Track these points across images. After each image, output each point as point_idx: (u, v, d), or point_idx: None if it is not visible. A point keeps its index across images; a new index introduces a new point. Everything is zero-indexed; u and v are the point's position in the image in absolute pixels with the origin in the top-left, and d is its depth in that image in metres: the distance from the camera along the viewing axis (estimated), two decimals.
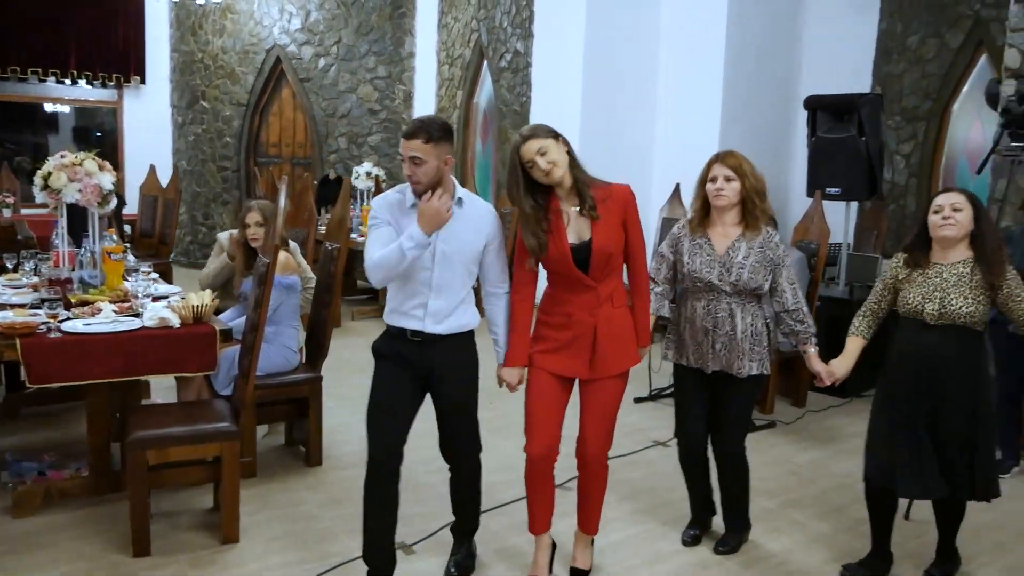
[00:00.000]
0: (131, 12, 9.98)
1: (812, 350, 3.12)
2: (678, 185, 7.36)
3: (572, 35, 7.62)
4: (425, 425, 2.91)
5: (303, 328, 4.19)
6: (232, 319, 3.96)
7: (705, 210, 3.14)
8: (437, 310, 2.75)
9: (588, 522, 3.00)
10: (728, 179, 3.04)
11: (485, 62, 9.20)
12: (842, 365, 3.07)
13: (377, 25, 10.32)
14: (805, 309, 3.14)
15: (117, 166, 9.35)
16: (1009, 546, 3.48)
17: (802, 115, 7.06)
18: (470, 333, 2.86)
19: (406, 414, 2.80)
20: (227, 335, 3.39)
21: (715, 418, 3.22)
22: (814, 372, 3.11)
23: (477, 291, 2.90)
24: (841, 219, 6.17)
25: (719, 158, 3.11)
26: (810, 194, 5.96)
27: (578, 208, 2.72)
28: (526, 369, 2.87)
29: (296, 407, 4.00)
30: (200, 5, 10.01)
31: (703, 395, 3.21)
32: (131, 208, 8.39)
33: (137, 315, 3.40)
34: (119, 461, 3.59)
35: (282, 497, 3.63)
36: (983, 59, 6.68)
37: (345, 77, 10.34)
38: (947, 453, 2.89)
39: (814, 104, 5.88)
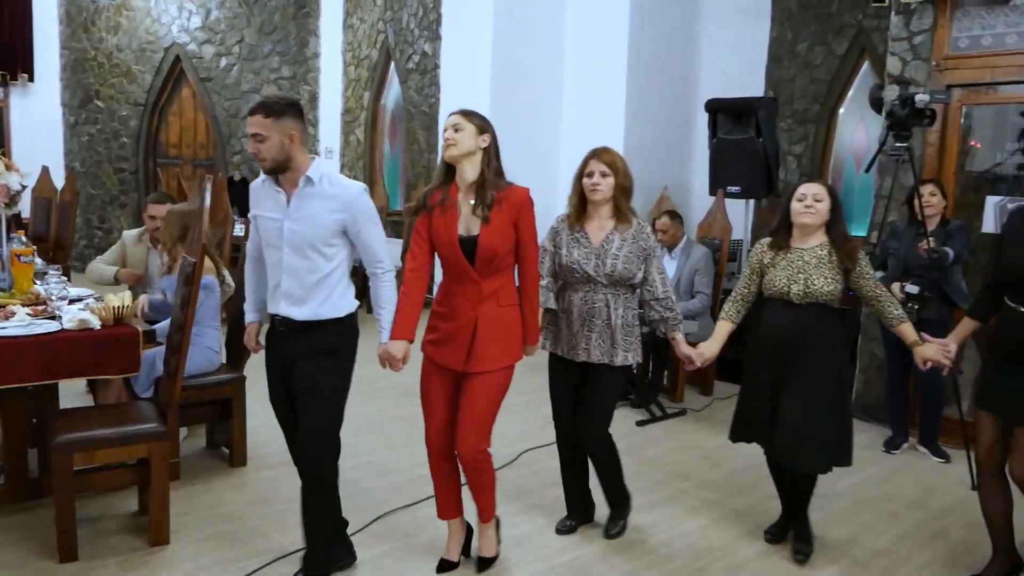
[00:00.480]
0: (17, 7, 9.50)
1: (679, 336, 3.26)
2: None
3: (479, 37, 7.71)
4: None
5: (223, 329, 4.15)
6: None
7: (582, 205, 3.22)
8: (290, 291, 2.74)
9: (480, 511, 3.02)
10: (604, 174, 3.13)
11: (392, 63, 9.21)
12: (711, 348, 3.25)
13: (280, 25, 10.17)
14: (673, 297, 3.25)
15: None
16: (901, 515, 3.78)
17: (701, 116, 7.40)
18: (335, 321, 2.78)
19: (290, 411, 2.84)
20: (150, 336, 3.34)
21: (582, 405, 3.29)
22: (682, 356, 3.27)
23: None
24: (741, 216, 6.51)
25: (595, 154, 3.19)
26: (712, 192, 6.27)
27: (473, 203, 2.76)
28: (410, 346, 2.86)
29: (218, 408, 3.96)
30: (93, 2, 9.63)
31: (574, 384, 3.28)
32: (22, 210, 8.01)
33: (54, 318, 3.31)
34: (36, 467, 3.48)
35: (209, 498, 3.60)
36: (866, 65, 7.16)
37: (248, 77, 10.14)
38: (812, 424, 3.06)
39: (715, 107, 6.18)
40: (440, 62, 8.27)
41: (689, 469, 4.23)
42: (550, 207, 8.26)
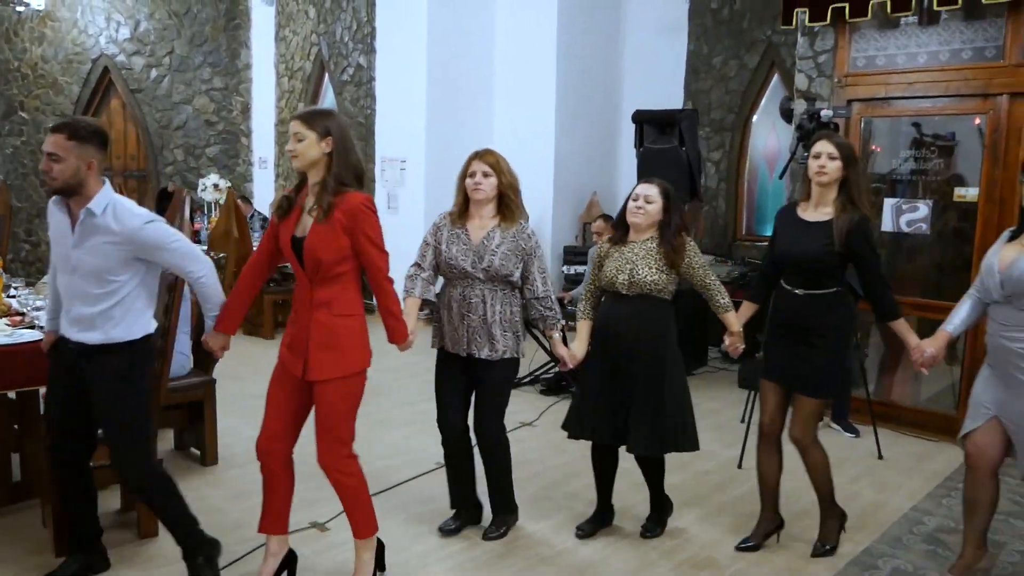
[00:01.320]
0: None
1: (557, 335, 3.35)
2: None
3: (414, 51, 7.98)
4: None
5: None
6: None
7: (465, 204, 3.29)
8: (79, 317, 2.72)
9: (352, 526, 2.94)
10: (486, 174, 3.20)
11: (327, 75, 9.40)
12: (580, 348, 3.37)
13: (211, 36, 10.22)
14: (553, 297, 3.34)
15: None
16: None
17: (626, 125, 7.86)
18: (128, 344, 2.77)
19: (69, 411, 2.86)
20: None
21: (477, 404, 3.35)
22: (558, 356, 3.38)
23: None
24: None
25: (477, 155, 3.26)
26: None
27: (310, 207, 2.72)
28: (228, 338, 2.95)
29: (188, 412, 4.14)
30: (16, 12, 9.51)
31: (461, 380, 3.34)
32: None
33: (32, 327, 3.46)
34: (19, 472, 3.62)
35: (188, 494, 3.77)
36: (775, 78, 7.75)
37: (180, 88, 10.15)
38: (639, 409, 3.24)
39: (641, 118, 6.62)
40: (375, 74, 8.52)
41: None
42: None
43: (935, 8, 4.74)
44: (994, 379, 2.96)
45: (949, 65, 4.93)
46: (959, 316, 3.14)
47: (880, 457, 4.59)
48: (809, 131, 4.51)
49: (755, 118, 8.02)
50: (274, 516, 2.92)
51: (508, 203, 3.26)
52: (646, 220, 3.28)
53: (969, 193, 5.01)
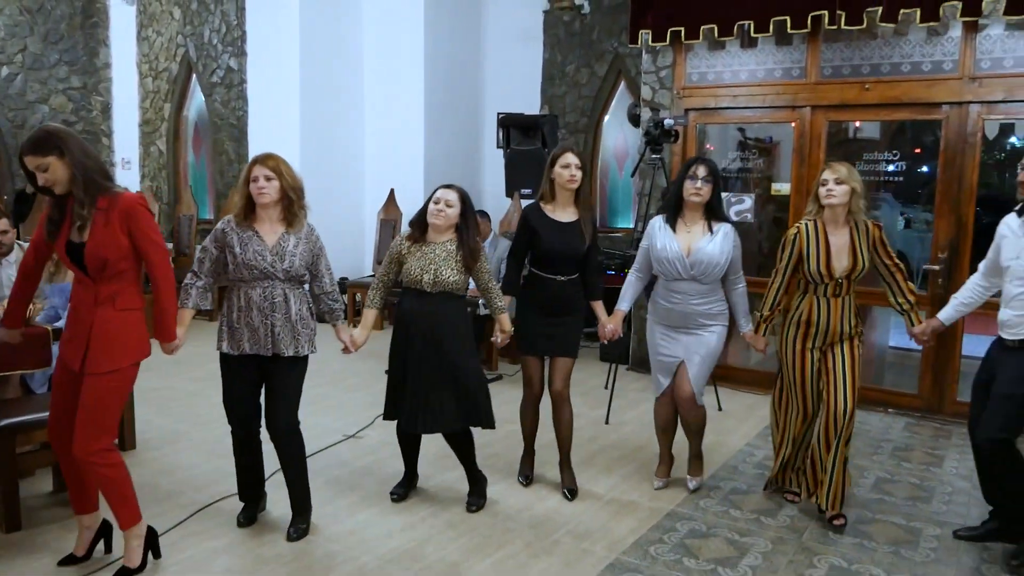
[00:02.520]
0: None
1: (340, 323, 3.58)
2: (392, 191, 8.44)
3: (287, 55, 8.28)
4: None
5: None
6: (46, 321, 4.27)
7: (249, 207, 3.35)
8: None
9: (115, 517, 3.05)
10: (268, 178, 3.27)
11: (195, 76, 9.49)
12: (363, 334, 3.66)
13: (67, 34, 10.03)
14: (338, 291, 3.58)
15: None
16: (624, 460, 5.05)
17: (488, 127, 8.52)
18: None
19: None
20: (58, 334, 3.80)
21: (270, 399, 3.43)
22: (341, 341, 3.61)
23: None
24: None
25: (258, 160, 3.34)
26: (508, 195, 7.38)
27: (83, 213, 2.83)
28: (16, 332, 3.15)
29: None
30: None
31: (253, 379, 3.42)
32: None
33: None
34: None
35: None
36: (622, 85, 8.62)
37: (34, 87, 9.91)
38: (441, 393, 3.58)
39: (507, 123, 7.29)
40: (247, 77, 8.74)
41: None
42: (357, 214, 9.05)
43: (752, 35, 5.66)
44: (674, 334, 3.92)
45: (765, 81, 5.89)
46: (629, 295, 4.04)
47: (720, 409, 5.47)
48: (655, 137, 5.32)
49: (605, 120, 8.86)
50: (82, 497, 3.11)
51: (292, 205, 3.35)
52: (445, 223, 3.60)
53: (783, 188, 6.01)
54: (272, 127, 8.48)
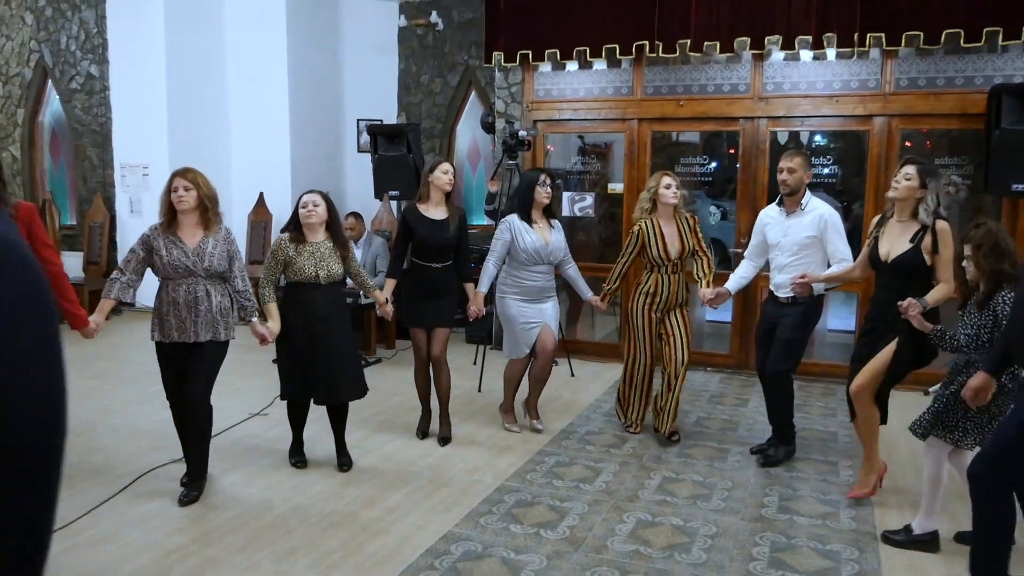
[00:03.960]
0: None
1: (255, 319, 4.08)
2: (262, 194, 8.93)
3: (152, 62, 8.52)
4: None
5: None
6: None
7: (172, 215, 3.86)
8: None
9: None
10: (187, 188, 3.79)
11: (50, 82, 9.51)
12: (276, 325, 4.16)
13: None
14: (251, 290, 4.09)
15: None
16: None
17: (349, 132, 9.18)
18: None
19: None
20: None
21: (190, 376, 3.90)
22: (258, 335, 4.07)
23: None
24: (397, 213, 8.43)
25: (177, 173, 3.86)
26: (378, 197, 8.09)
27: None
28: None
29: None
30: None
31: (179, 364, 3.93)
32: None
33: None
34: None
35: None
36: (473, 94, 9.50)
37: None
38: (332, 368, 4.19)
39: (375, 131, 8.00)
40: (109, 84, 8.92)
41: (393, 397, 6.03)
42: (225, 217, 9.34)
43: (588, 59, 6.71)
44: (533, 305, 4.91)
45: (600, 97, 6.97)
46: (486, 279, 4.95)
47: (572, 375, 6.49)
48: (511, 146, 6.24)
49: (458, 127, 9.72)
50: None
51: (208, 211, 3.86)
52: (318, 220, 4.23)
53: (618, 187, 7.11)
54: (138, 133, 8.73)
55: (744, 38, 6.25)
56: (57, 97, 9.51)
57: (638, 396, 5.03)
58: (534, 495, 4.11)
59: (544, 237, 4.92)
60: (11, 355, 0.80)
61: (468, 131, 9.59)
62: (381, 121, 8.44)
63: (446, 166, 4.77)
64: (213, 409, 4.03)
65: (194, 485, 3.99)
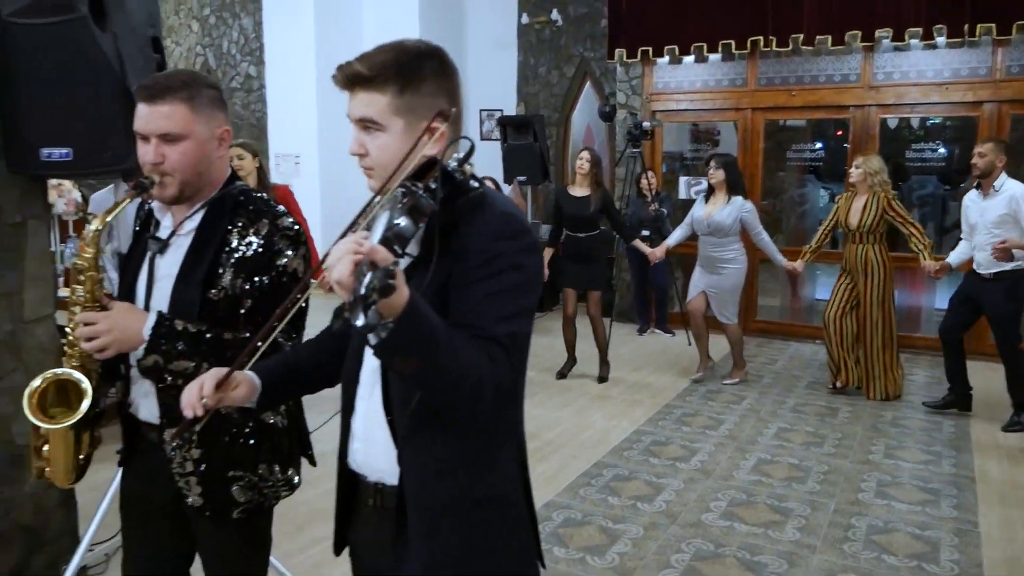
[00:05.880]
0: None
1: None
2: None
3: (304, 61, 9.53)
4: None
5: None
6: None
7: None
8: None
9: None
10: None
11: None
12: None
13: None
14: None
15: None
16: (655, 360, 6.67)
17: (473, 122, 9.98)
18: None
19: None
20: None
21: None
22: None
23: None
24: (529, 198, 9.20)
25: None
26: (508, 182, 8.87)
27: None
28: None
29: None
30: None
31: None
32: None
33: None
34: None
35: None
36: (588, 85, 10.15)
37: None
38: None
39: (504, 122, 8.76)
40: (265, 82, 10.00)
41: None
42: (364, 195, 10.22)
43: (705, 54, 7.28)
44: (702, 271, 5.78)
45: (715, 89, 7.52)
46: (675, 236, 5.90)
47: (689, 344, 7.12)
48: (635, 136, 6.88)
49: (574, 116, 10.39)
50: None
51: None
52: (517, 198, 5.53)
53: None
54: (291, 125, 9.77)
55: (855, 31, 6.69)
56: None
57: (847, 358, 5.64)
58: (667, 437, 4.81)
59: (710, 211, 5.67)
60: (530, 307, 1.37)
61: (583, 119, 10.24)
62: (501, 111, 9.19)
63: (584, 154, 5.75)
64: None
65: None
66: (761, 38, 6.99)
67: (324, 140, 9.65)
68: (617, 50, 7.65)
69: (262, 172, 4.72)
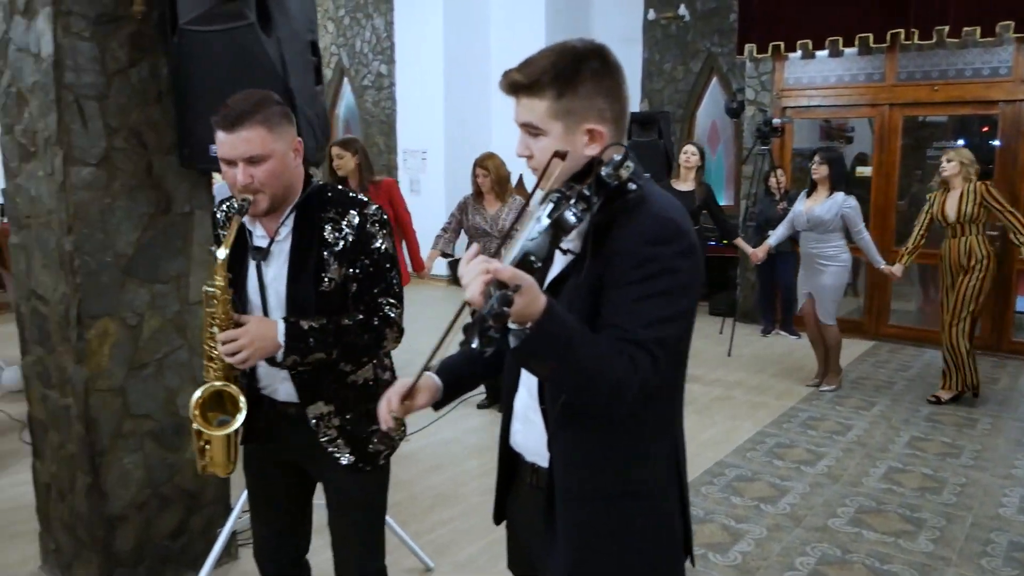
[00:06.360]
0: None
1: None
2: (521, 176, 9.97)
3: (432, 61, 9.82)
4: None
5: None
6: None
7: (479, 189, 5.10)
8: None
9: None
10: (484, 175, 5.03)
11: (346, 80, 11.14)
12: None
13: None
14: None
15: None
16: (781, 361, 6.52)
17: None
18: None
19: None
20: None
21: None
22: None
23: None
24: None
25: (479, 161, 5.11)
26: None
27: None
28: None
29: None
30: None
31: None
32: None
33: None
34: None
35: None
36: (714, 81, 9.99)
37: None
38: None
39: (630, 118, 8.75)
40: (395, 80, 10.35)
41: None
42: None
43: (840, 48, 7.04)
44: (805, 272, 5.64)
45: (850, 84, 7.26)
46: (777, 235, 5.79)
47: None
48: (765, 133, 6.73)
49: (699, 112, 10.25)
50: None
51: (501, 189, 5.06)
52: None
53: (866, 171, 7.38)
54: (418, 122, 10.08)
55: (1007, 22, 6.31)
56: (351, 93, 11.10)
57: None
58: (791, 440, 4.71)
59: (810, 206, 5.53)
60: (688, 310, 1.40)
61: (708, 115, 10.09)
62: (642, 112, 9.16)
63: (690, 147, 5.90)
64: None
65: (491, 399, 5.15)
66: (902, 31, 6.70)
67: (450, 136, 9.91)
68: (747, 45, 7.49)
69: (361, 168, 5.07)
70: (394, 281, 2.04)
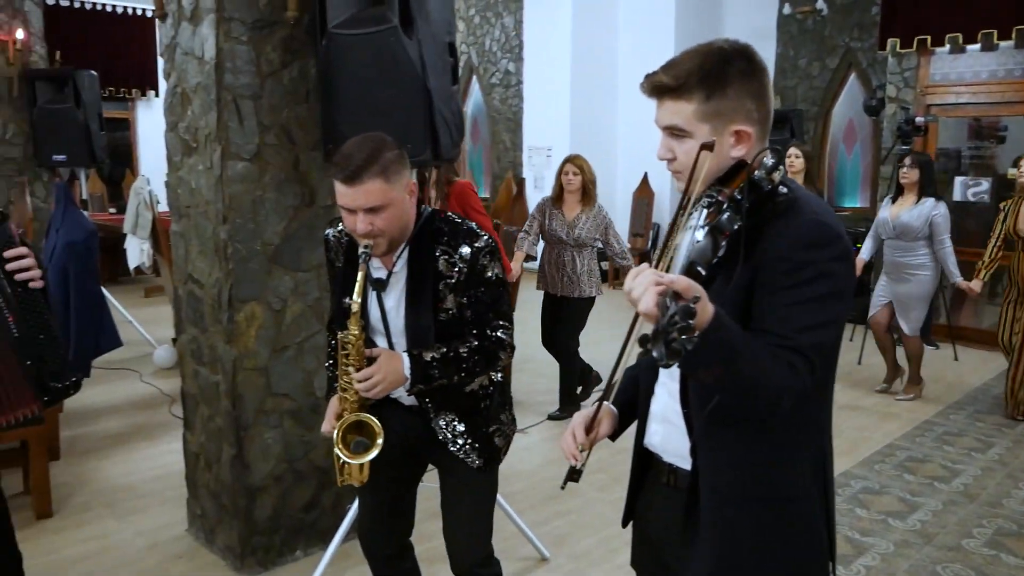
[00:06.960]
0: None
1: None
2: (646, 173, 9.90)
3: (560, 59, 9.88)
4: None
5: None
6: None
7: (560, 191, 4.89)
8: None
9: None
10: (575, 173, 4.80)
11: (475, 78, 11.36)
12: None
13: None
14: (627, 252, 5.07)
15: None
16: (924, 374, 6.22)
17: None
18: None
19: None
20: None
21: (560, 324, 4.88)
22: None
23: None
24: None
25: (569, 159, 4.88)
26: None
27: None
28: None
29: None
30: None
31: (551, 311, 4.93)
32: None
33: None
34: None
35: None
36: (852, 77, 9.58)
37: None
38: None
39: None
40: (523, 78, 10.47)
41: None
42: (610, 192, 10.54)
43: (995, 41, 6.62)
44: (887, 280, 5.36)
45: (1004, 80, 6.82)
46: (867, 247, 5.56)
47: (956, 359, 6.56)
48: (906, 132, 6.42)
49: (835, 109, 9.85)
50: None
51: (588, 192, 4.80)
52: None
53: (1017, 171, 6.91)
54: (544, 120, 10.16)
55: None
56: (479, 90, 11.31)
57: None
58: (924, 455, 4.51)
59: (896, 212, 5.25)
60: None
61: (844, 113, 9.69)
62: (776, 110, 8.92)
63: (792, 150, 5.47)
64: (578, 354, 4.95)
65: (563, 409, 4.96)
66: None
67: (576, 134, 9.94)
68: (890, 39, 7.16)
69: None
70: (505, 304, 2.15)
